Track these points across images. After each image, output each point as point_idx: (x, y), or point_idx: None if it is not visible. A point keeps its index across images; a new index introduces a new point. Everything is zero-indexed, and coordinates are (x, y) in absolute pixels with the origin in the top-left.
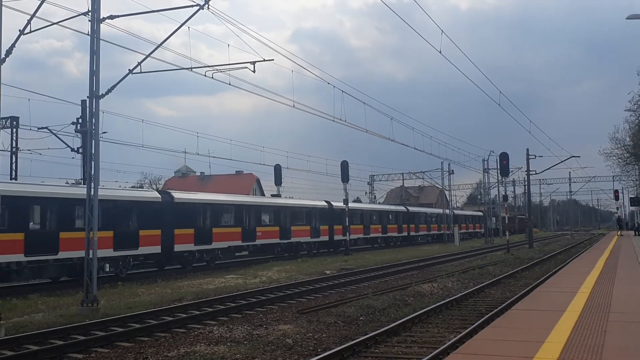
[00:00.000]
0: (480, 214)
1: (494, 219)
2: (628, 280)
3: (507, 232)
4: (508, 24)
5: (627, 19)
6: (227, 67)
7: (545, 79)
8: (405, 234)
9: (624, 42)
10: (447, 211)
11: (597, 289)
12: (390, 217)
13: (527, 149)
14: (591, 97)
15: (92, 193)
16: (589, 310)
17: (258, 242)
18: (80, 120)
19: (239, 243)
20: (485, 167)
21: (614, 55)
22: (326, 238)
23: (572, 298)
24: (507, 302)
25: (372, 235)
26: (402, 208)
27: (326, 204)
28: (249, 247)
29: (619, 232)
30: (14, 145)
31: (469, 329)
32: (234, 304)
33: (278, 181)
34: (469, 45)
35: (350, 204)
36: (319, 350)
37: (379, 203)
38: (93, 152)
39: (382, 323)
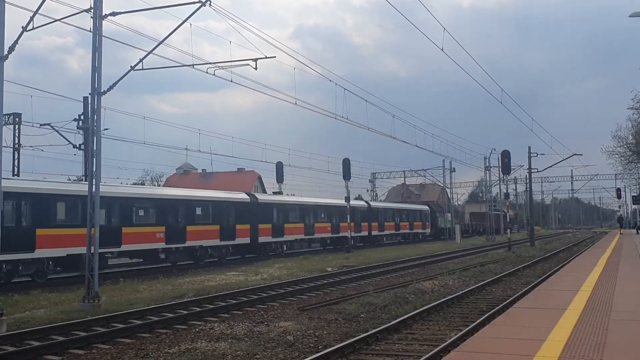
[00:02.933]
0: (425, 208)
1: (448, 215)
2: (630, 278)
3: (508, 230)
4: (511, 22)
5: (630, 16)
6: (229, 64)
7: (548, 77)
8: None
9: (627, 40)
10: (363, 203)
11: (599, 288)
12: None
13: (529, 147)
14: (594, 95)
15: (94, 190)
16: (590, 308)
17: (316, 235)
18: (82, 117)
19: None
20: (487, 165)
21: (617, 53)
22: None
23: (574, 296)
24: (508, 300)
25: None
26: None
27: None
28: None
29: (621, 230)
30: (16, 141)
31: (470, 326)
32: (235, 301)
33: (280, 179)
34: (472, 43)
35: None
36: (320, 347)
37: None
38: (95, 148)
39: (382, 320)
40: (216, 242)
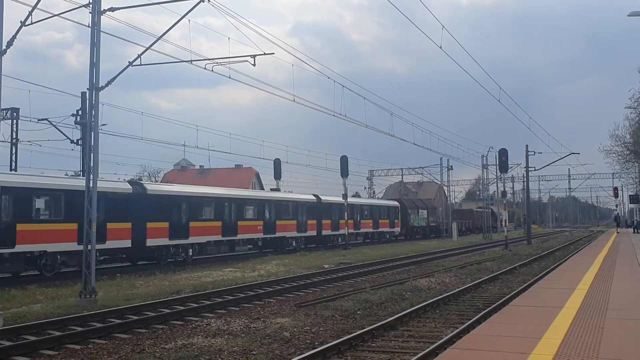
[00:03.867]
0: (394, 204)
1: (423, 212)
2: (626, 277)
3: (505, 228)
4: (509, 20)
5: (628, 15)
6: (228, 60)
7: (546, 76)
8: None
9: (625, 39)
10: (309, 197)
11: (596, 286)
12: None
13: (527, 146)
14: (592, 94)
15: (91, 185)
16: (586, 307)
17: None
18: (80, 112)
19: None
20: (484, 163)
21: (615, 53)
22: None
23: (570, 295)
24: (505, 298)
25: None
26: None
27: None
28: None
29: (618, 229)
30: (14, 136)
31: (466, 324)
32: (232, 297)
33: (277, 175)
34: (470, 40)
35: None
36: (316, 343)
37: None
38: (92, 144)
39: (379, 317)
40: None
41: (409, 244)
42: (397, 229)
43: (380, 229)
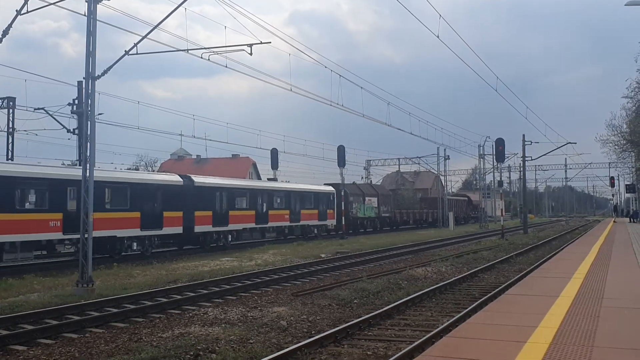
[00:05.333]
0: (328, 189)
1: (372, 200)
2: (622, 266)
3: (502, 218)
4: (507, 9)
5: (626, 5)
6: (224, 49)
7: (543, 65)
8: (175, 229)
9: (622, 29)
10: (173, 178)
11: (591, 275)
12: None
13: (523, 135)
14: (589, 84)
15: (88, 174)
16: (582, 296)
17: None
18: (76, 101)
19: (254, 225)
20: (481, 152)
21: (613, 42)
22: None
23: (566, 284)
24: (501, 287)
25: (272, 224)
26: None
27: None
28: None
29: (615, 218)
30: (10, 125)
31: (462, 313)
32: (229, 286)
33: (275, 165)
34: (467, 29)
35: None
36: (313, 332)
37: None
38: (89, 133)
39: (375, 306)
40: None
41: (406, 233)
42: (331, 221)
43: (302, 222)
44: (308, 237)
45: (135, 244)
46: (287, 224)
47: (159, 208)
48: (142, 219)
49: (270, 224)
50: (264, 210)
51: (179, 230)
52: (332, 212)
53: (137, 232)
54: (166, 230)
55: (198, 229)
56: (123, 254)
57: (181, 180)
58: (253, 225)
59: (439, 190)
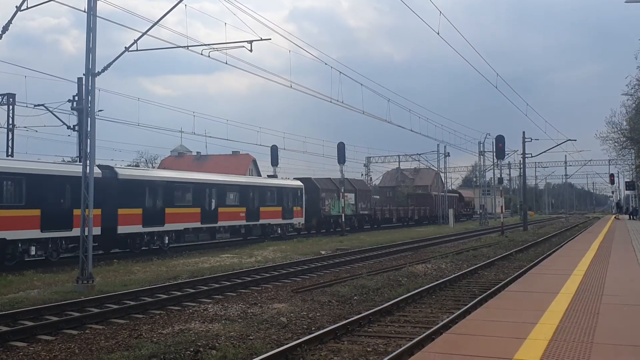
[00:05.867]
0: (295, 184)
1: (349, 195)
2: (622, 263)
3: (501, 215)
4: (507, 6)
5: (626, 2)
6: (224, 45)
7: (544, 62)
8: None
9: (623, 26)
10: (72, 169)
11: (591, 272)
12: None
13: (524, 132)
14: (589, 81)
15: (88, 171)
16: (582, 292)
17: None
18: (76, 98)
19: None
20: (481, 149)
21: (613, 39)
22: None
23: (566, 280)
24: (501, 284)
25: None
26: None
27: None
28: None
29: (617, 215)
30: (10, 122)
31: (462, 309)
32: (229, 283)
33: (275, 162)
34: (467, 27)
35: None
36: (313, 328)
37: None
38: (89, 129)
39: (375, 303)
40: (279, 221)
41: (405, 231)
42: (298, 220)
43: (263, 221)
44: (271, 237)
45: (34, 248)
46: (243, 222)
47: (68, 205)
48: (42, 217)
49: (220, 223)
50: (213, 207)
51: (95, 231)
52: (299, 209)
53: (35, 233)
54: (78, 232)
55: (122, 229)
56: (19, 260)
57: (99, 171)
58: (198, 224)
59: (438, 187)
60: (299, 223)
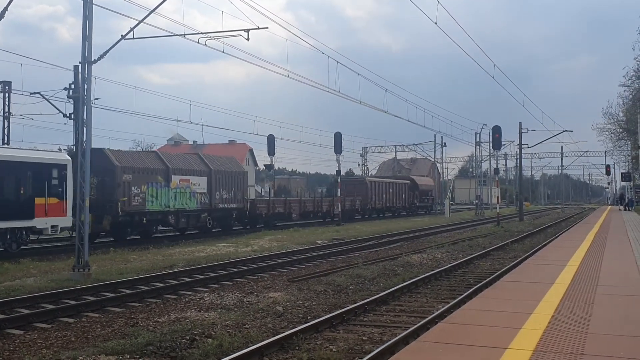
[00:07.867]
0: (48, 159)
1: (197, 180)
2: (617, 253)
3: (497, 205)
4: None
5: None
6: (221, 34)
7: (541, 53)
8: None
9: (620, 17)
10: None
11: (586, 262)
12: None
13: (520, 123)
14: (586, 72)
15: (84, 159)
16: (577, 282)
17: None
18: (72, 86)
19: None
20: (478, 140)
21: (611, 31)
22: None
23: (561, 271)
24: (496, 274)
25: None
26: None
27: None
28: None
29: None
30: (6, 110)
31: (458, 299)
32: (225, 272)
33: (271, 151)
34: (465, 16)
35: None
36: (309, 317)
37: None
38: (85, 118)
39: (371, 292)
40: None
41: (403, 220)
42: (52, 220)
43: None
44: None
45: None
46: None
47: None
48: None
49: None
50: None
51: None
52: (58, 202)
53: None
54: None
55: None
56: None
57: None
58: None
59: (436, 178)
60: (57, 227)
